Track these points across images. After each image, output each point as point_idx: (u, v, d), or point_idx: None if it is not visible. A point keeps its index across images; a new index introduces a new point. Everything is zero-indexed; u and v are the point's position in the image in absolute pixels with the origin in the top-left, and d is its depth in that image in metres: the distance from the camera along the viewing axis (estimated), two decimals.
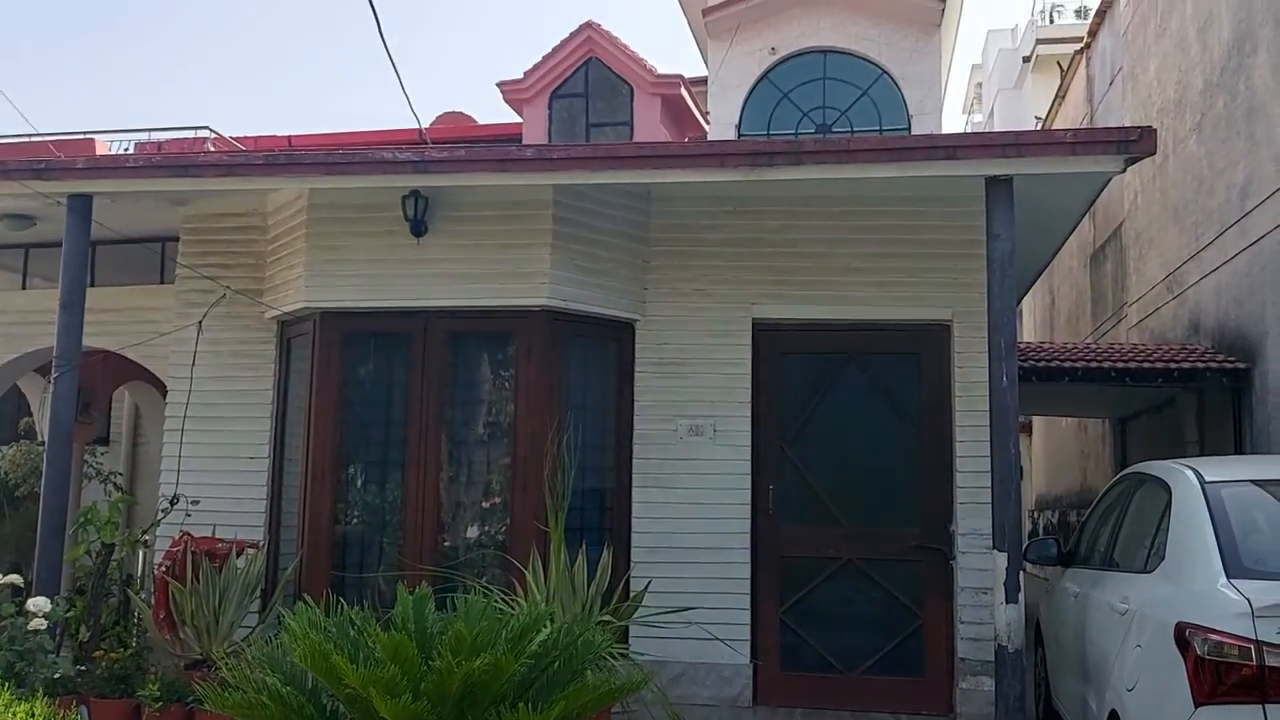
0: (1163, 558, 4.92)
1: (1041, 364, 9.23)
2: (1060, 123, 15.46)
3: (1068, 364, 9.19)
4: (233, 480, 7.90)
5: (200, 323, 8.03)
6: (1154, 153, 5.87)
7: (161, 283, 8.91)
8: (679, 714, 4.97)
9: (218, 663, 6.47)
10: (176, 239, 8.39)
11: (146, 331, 8.36)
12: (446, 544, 7.43)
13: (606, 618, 6.01)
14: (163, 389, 9.57)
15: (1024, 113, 19.94)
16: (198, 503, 7.45)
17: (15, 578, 6.41)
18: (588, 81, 12.26)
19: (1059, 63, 16.45)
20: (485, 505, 7.57)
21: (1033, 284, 10.90)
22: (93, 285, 7.79)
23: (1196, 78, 9.85)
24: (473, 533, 7.56)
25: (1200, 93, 9.75)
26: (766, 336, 7.71)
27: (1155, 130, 5.87)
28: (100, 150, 8.78)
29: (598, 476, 7.59)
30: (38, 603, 5.60)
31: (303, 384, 7.78)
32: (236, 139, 12.94)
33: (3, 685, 4.92)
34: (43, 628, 5.50)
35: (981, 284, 6.74)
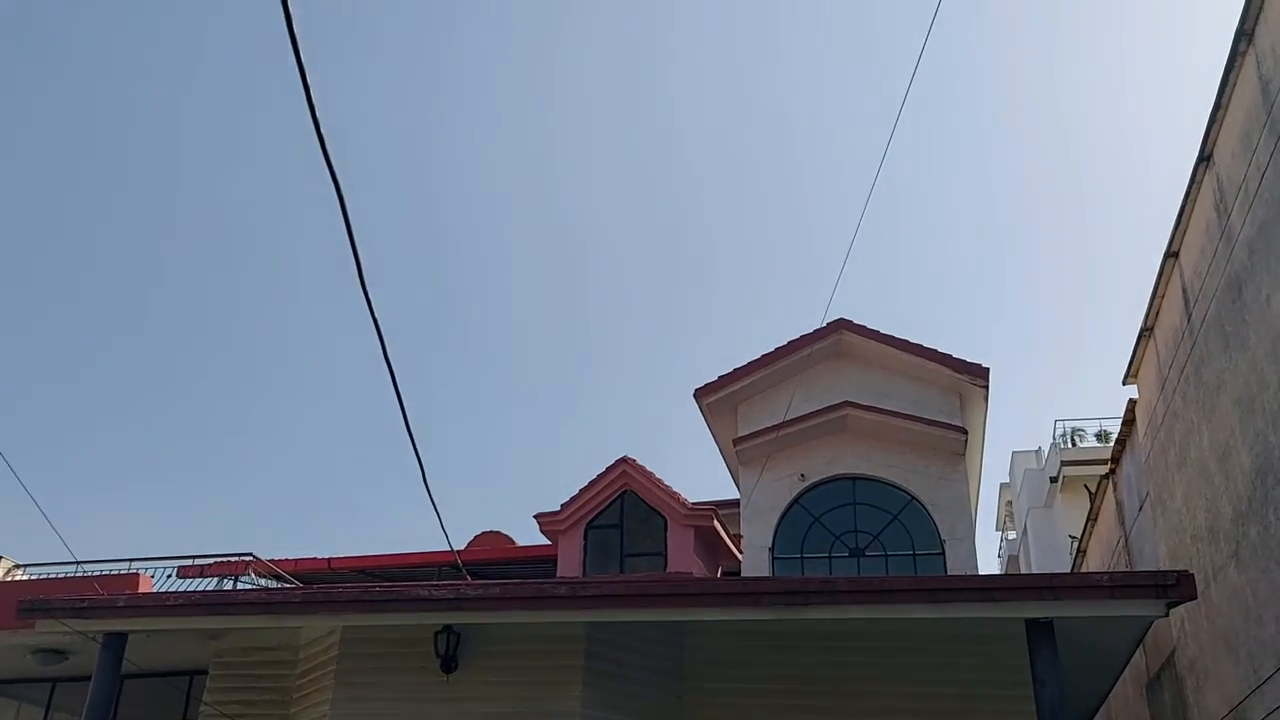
0: None
1: None
2: (1095, 544, 15.45)
3: None
4: None
5: None
6: (1194, 598, 5.82)
7: (184, 719, 8.68)
8: None
9: None
10: (204, 672, 8.28)
11: None
12: None
13: None
14: None
15: (1056, 530, 20.01)
16: None
17: None
18: (622, 513, 12.61)
19: (1085, 485, 16.74)
20: None
21: (1091, 719, 10.35)
22: None
23: (1225, 506, 9.94)
24: None
25: (1231, 521, 9.79)
26: None
27: (1193, 576, 5.86)
28: (144, 581, 8.93)
29: None
30: None
31: None
32: (276, 561, 13.14)
33: None
34: None
35: None
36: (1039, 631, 6.10)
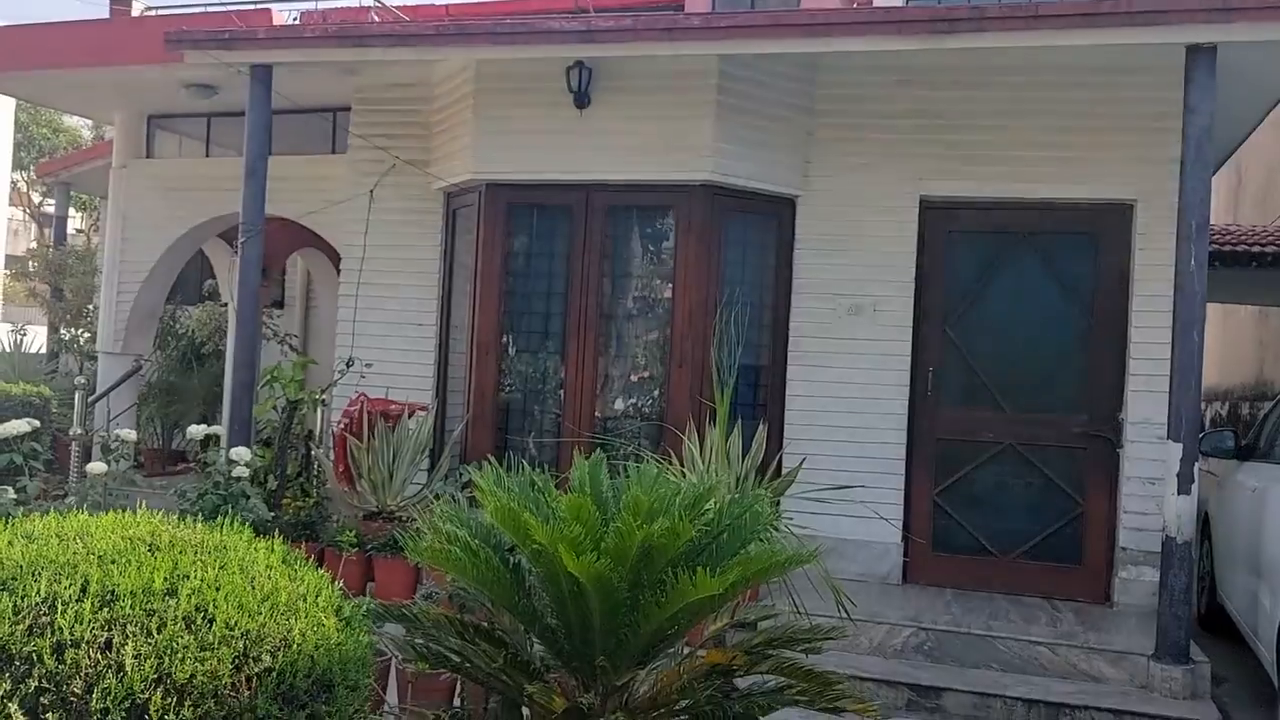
0: None
1: (1227, 248, 8.74)
2: None
3: (1256, 248, 8.68)
4: (403, 345, 8.25)
5: (372, 191, 8.28)
6: None
7: (333, 152, 9.19)
8: (839, 587, 5.04)
9: (392, 514, 6.91)
10: (347, 109, 8.60)
11: (320, 200, 8.67)
12: (603, 412, 7.63)
13: (762, 491, 6.10)
14: (332, 255, 9.99)
15: None
16: (371, 365, 7.81)
17: (218, 428, 6.94)
18: None
19: None
20: (641, 377, 7.71)
21: (1224, 161, 10.20)
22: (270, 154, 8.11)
23: None
24: (629, 403, 7.73)
25: None
26: (933, 214, 7.49)
27: None
28: (276, 17, 9.00)
29: (753, 353, 7.59)
30: (240, 452, 6.04)
31: (468, 253, 7.98)
32: (398, 8, 13.03)
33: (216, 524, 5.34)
34: (244, 475, 5.95)
35: (1169, 160, 6.41)
36: (1199, 59, 5.78)
